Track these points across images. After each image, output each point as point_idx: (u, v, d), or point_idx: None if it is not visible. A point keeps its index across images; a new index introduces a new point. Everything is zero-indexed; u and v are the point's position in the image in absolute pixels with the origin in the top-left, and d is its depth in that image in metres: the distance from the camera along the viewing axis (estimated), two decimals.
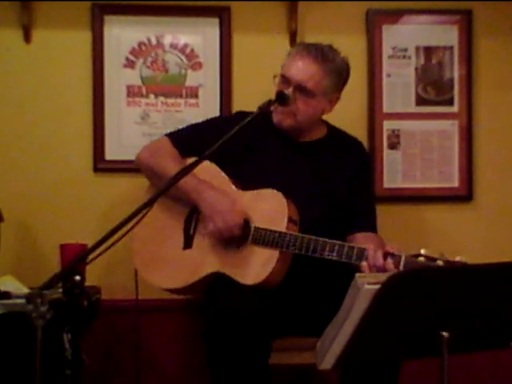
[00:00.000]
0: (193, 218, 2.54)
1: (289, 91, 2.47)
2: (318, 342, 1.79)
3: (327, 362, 1.73)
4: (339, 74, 2.57)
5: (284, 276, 2.40)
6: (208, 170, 2.47)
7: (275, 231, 2.37)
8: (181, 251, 2.53)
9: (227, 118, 2.74)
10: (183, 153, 2.62)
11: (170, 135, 2.69)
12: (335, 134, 2.72)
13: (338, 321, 1.70)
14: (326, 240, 2.32)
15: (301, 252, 2.34)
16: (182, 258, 2.52)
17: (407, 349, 1.80)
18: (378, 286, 1.61)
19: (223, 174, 2.56)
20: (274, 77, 2.64)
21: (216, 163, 2.53)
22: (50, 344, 2.08)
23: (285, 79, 2.52)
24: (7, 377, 2.38)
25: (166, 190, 2.14)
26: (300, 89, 2.50)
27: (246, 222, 2.43)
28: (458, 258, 2.12)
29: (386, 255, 2.22)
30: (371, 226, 2.61)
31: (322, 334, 1.78)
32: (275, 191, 2.44)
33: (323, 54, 2.54)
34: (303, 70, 2.50)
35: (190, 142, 2.63)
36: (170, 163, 2.54)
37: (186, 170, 2.18)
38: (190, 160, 2.53)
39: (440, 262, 2.13)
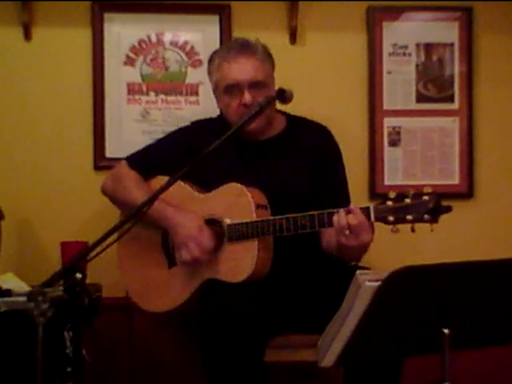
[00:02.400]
0: (168, 235, 2.52)
1: (289, 89, 2.46)
2: (319, 339, 1.79)
3: (328, 360, 1.73)
4: (269, 56, 2.56)
5: (271, 261, 2.38)
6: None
7: (246, 222, 2.35)
8: (167, 271, 2.53)
9: (185, 130, 2.70)
10: (145, 174, 2.61)
11: (130, 159, 2.66)
12: (296, 123, 2.64)
13: (339, 318, 1.70)
14: (297, 215, 2.29)
15: (276, 234, 2.32)
16: (171, 276, 2.51)
17: (408, 345, 1.80)
18: (378, 283, 1.61)
19: (184, 184, 2.51)
20: (213, 91, 2.60)
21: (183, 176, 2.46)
22: (51, 342, 2.08)
23: (233, 87, 2.47)
24: (9, 374, 2.38)
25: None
26: (254, 85, 2.46)
27: (218, 223, 2.42)
28: (424, 190, 2.11)
29: (352, 210, 2.19)
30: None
31: (323, 331, 1.78)
32: (233, 183, 2.41)
33: (248, 46, 2.52)
34: (246, 67, 2.47)
35: (151, 161, 2.62)
36: (132, 189, 2.54)
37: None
38: (155, 181, 2.56)
39: (408, 200, 2.11)
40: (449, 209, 2.10)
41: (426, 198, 2.10)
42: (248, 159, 2.56)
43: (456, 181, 3.15)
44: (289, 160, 2.57)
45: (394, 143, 3.15)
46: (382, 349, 1.78)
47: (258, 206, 2.38)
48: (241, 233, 2.36)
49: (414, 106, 3.15)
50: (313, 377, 2.93)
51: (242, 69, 2.46)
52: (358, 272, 1.69)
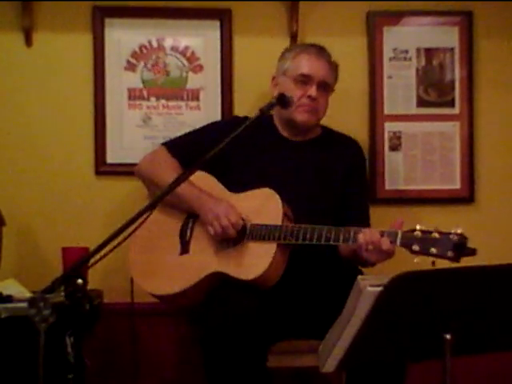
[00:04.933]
0: (188, 224, 2.56)
1: (290, 94, 2.48)
2: (320, 344, 1.79)
3: (330, 365, 1.73)
4: (337, 69, 2.71)
5: (282, 271, 2.40)
6: (200, 178, 2.47)
7: (271, 225, 2.39)
8: (178, 257, 2.53)
9: (224, 123, 2.76)
10: (181, 160, 2.64)
11: (168, 144, 2.72)
12: (330, 133, 2.77)
13: (340, 323, 1.70)
14: (322, 226, 2.34)
15: (298, 241, 2.35)
16: (180, 263, 2.52)
17: (410, 351, 1.79)
18: (380, 289, 1.60)
19: (215, 179, 2.58)
20: (273, 78, 2.70)
21: (213, 169, 2.54)
22: (53, 347, 2.08)
23: (305, 77, 2.59)
24: (10, 380, 2.38)
25: (166, 193, 2.14)
26: (321, 85, 2.60)
27: (243, 221, 2.44)
28: (453, 230, 2.14)
29: (382, 234, 2.25)
30: (364, 222, 2.61)
31: (324, 336, 1.78)
32: (268, 189, 2.46)
33: (327, 52, 2.68)
34: (323, 67, 2.62)
35: (188, 149, 2.65)
36: (168, 173, 2.55)
37: (185, 176, 2.20)
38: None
39: (436, 235, 2.16)
40: (473, 252, 2.13)
41: (454, 236, 2.14)
42: (282, 157, 2.64)
43: (457, 185, 3.15)
44: (320, 164, 2.65)
45: (394, 148, 3.15)
46: (383, 354, 1.78)
47: (285, 215, 2.42)
48: (262, 233, 2.39)
49: (414, 110, 3.15)
50: (314, 382, 2.92)
51: (319, 66, 2.62)
52: (359, 277, 1.69)
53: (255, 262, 2.37)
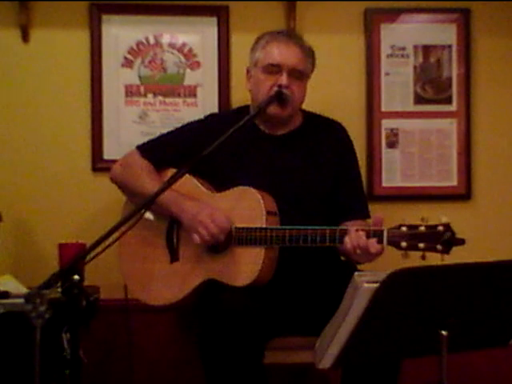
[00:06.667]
0: (173, 230, 2.53)
1: (287, 89, 2.47)
2: (316, 341, 1.79)
3: (326, 361, 1.73)
4: (313, 54, 2.60)
5: (274, 270, 2.39)
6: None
7: (256, 228, 2.35)
8: (169, 265, 2.52)
9: (200, 123, 2.70)
10: (156, 164, 2.60)
11: (141, 147, 2.67)
12: (312, 119, 2.67)
13: (337, 320, 1.70)
14: (307, 227, 2.31)
15: (285, 244, 2.33)
16: (172, 271, 2.51)
17: (406, 347, 1.80)
18: (376, 285, 1.61)
19: (195, 180, 2.53)
20: (248, 71, 2.62)
21: (195, 169, 2.44)
22: (49, 344, 2.08)
23: (274, 67, 2.49)
24: (6, 377, 2.38)
25: (161, 191, 2.14)
26: (293, 73, 2.50)
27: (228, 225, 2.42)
28: (439, 222, 2.12)
29: (368, 234, 2.21)
30: (361, 212, 2.59)
31: (320, 333, 1.78)
32: (246, 187, 2.41)
33: (298, 37, 2.59)
34: (293, 54, 2.51)
35: (163, 153, 2.62)
36: (145, 178, 2.54)
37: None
38: (168, 173, 2.54)
39: (422, 229, 2.13)
40: (462, 241, 2.11)
41: (440, 228, 2.11)
42: (266, 153, 2.57)
43: (454, 182, 3.16)
44: (306, 155, 2.58)
45: (391, 145, 3.15)
46: (380, 351, 1.78)
47: (268, 213, 2.38)
48: (249, 238, 2.36)
49: (411, 107, 3.15)
50: (311, 378, 2.93)
51: (288, 53, 2.50)
52: (355, 274, 1.69)
53: (245, 268, 2.35)
